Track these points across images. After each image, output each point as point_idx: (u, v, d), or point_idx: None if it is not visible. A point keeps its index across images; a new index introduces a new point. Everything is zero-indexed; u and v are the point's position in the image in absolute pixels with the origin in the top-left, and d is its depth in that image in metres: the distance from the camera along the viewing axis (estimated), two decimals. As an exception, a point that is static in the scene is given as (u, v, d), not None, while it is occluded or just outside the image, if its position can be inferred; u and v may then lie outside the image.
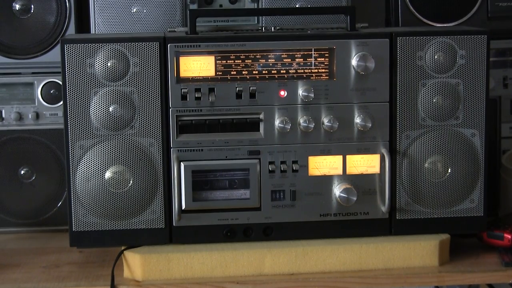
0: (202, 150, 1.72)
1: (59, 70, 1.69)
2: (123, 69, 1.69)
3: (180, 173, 1.71)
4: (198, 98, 1.71)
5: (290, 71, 1.72)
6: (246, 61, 1.72)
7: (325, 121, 1.73)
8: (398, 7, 2.05)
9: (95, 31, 1.95)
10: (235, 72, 1.72)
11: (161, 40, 1.69)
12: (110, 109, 1.69)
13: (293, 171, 1.74)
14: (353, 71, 1.73)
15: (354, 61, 1.72)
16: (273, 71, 1.72)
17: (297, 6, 1.97)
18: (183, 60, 1.70)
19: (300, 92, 1.72)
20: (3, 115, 1.98)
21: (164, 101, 1.70)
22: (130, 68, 1.69)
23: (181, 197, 1.71)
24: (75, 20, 1.98)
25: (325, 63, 1.73)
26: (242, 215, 1.74)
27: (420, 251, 1.74)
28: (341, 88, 1.73)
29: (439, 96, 1.75)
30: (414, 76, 1.74)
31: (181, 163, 1.71)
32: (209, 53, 1.71)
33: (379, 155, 1.76)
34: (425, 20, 2.05)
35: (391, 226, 1.78)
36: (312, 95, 1.72)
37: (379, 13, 2.16)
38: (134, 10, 1.95)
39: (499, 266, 1.74)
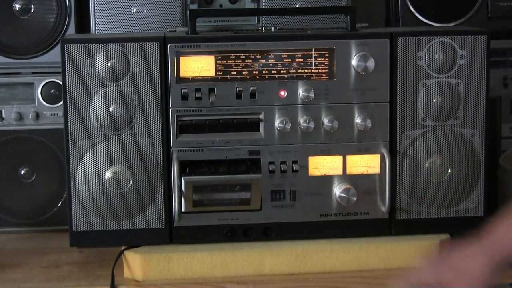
0: (202, 150, 1.72)
1: (59, 70, 1.69)
2: (123, 69, 1.69)
3: (181, 173, 1.71)
4: (198, 98, 1.71)
5: (290, 71, 1.72)
6: (246, 61, 1.71)
7: (325, 121, 1.73)
8: (398, 7, 2.05)
9: (95, 31, 1.94)
10: (235, 72, 1.71)
11: (161, 40, 1.69)
12: (110, 109, 1.69)
13: (293, 171, 1.74)
14: (353, 71, 1.73)
15: (354, 61, 1.72)
16: (273, 71, 1.72)
17: (297, 6, 1.97)
18: (183, 60, 1.70)
19: (300, 92, 1.72)
20: (3, 115, 1.98)
21: (164, 101, 1.70)
22: (130, 68, 1.69)
23: (181, 197, 1.71)
24: (75, 20, 1.98)
25: (325, 63, 1.73)
26: (242, 215, 1.74)
27: (420, 251, 1.74)
28: (341, 88, 1.73)
29: (439, 96, 1.75)
30: (414, 76, 1.74)
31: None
32: (209, 53, 1.71)
33: (379, 155, 1.76)
34: (425, 20, 2.05)
35: (391, 226, 1.78)
36: (312, 95, 1.72)
37: (379, 13, 2.16)
38: (134, 10, 1.95)
39: (499, 266, 1.73)
